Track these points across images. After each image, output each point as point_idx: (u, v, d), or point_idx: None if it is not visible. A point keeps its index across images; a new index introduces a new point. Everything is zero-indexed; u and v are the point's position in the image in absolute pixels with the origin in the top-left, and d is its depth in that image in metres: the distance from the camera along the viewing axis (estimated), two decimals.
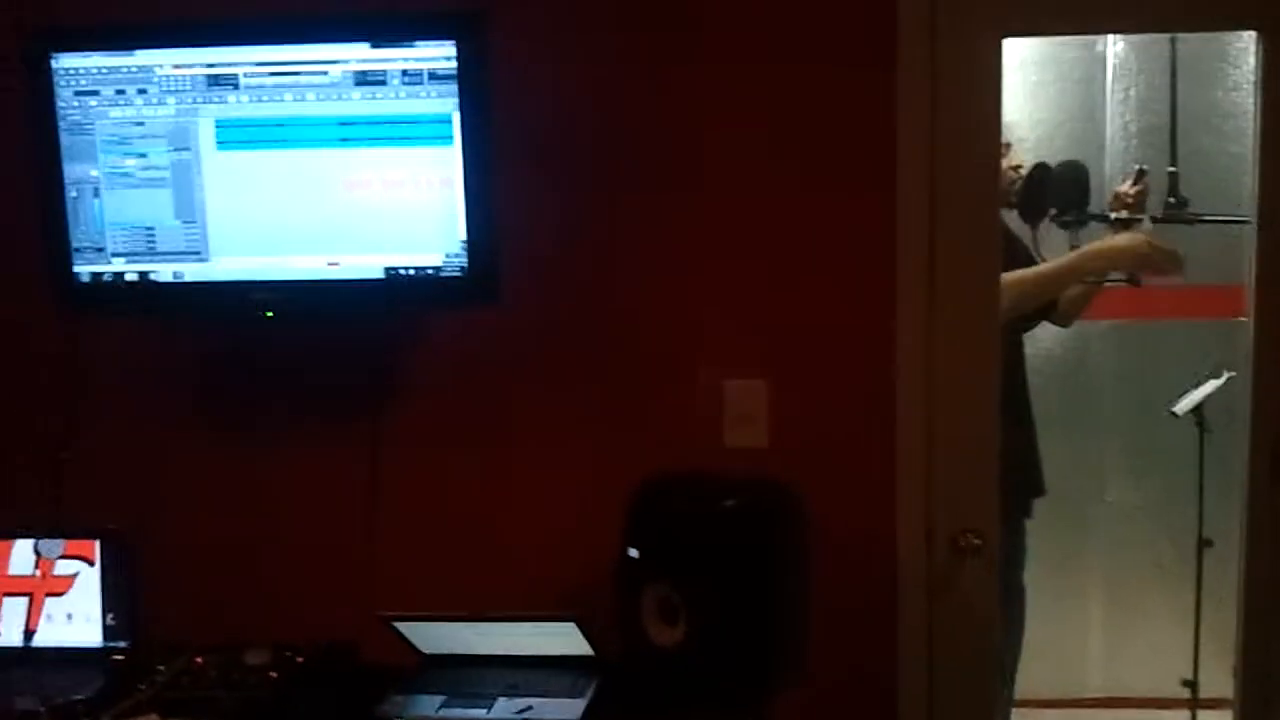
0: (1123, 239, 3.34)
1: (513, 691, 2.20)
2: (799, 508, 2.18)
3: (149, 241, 2.29)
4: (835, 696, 2.37)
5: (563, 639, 2.23)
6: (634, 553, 2.12)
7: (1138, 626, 4.37)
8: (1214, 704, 3.06)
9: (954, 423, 2.38)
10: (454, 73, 2.17)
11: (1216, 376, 3.43)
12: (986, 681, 2.49)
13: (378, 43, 2.19)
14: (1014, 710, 3.83)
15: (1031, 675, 4.00)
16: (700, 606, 2.04)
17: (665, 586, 2.08)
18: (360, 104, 2.20)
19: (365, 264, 2.25)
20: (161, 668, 2.31)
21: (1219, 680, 2.72)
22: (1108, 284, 3.37)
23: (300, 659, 2.30)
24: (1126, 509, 4.42)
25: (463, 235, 2.21)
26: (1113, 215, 3.35)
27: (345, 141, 2.21)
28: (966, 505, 2.40)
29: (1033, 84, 4.32)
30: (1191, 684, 3.61)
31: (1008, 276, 3.09)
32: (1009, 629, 3.71)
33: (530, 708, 2.14)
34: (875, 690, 2.42)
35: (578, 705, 2.15)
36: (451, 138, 2.19)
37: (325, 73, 2.21)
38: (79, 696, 2.20)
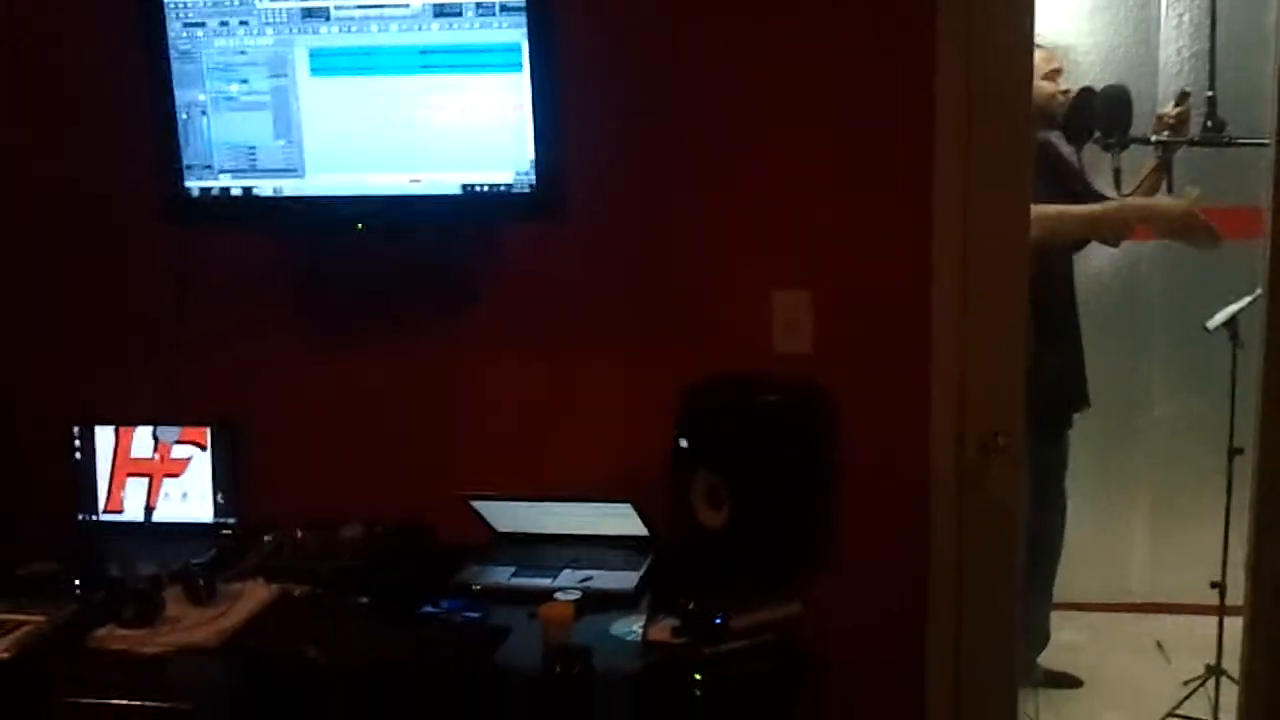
0: (1169, 203, 3.37)
1: (575, 564, 2.34)
2: (832, 405, 2.27)
3: (251, 159, 2.41)
4: (871, 583, 2.46)
5: (620, 519, 2.38)
6: (684, 443, 2.25)
7: (1180, 534, 4.42)
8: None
9: (984, 331, 2.42)
10: (523, 5, 2.25)
11: (1250, 293, 3.51)
12: (1011, 569, 2.55)
13: None
14: (1055, 612, 3.96)
15: (1077, 580, 4.11)
16: (743, 492, 2.17)
17: (712, 473, 2.21)
18: (438, 34, 2.30)
19: (444, 181, 2.36)
20: (266, 539, 2.48)
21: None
22: None
23: (387, 534, 2.45)
24: (1172, 421, 4.47)
25: (532, 155, 2.31)
26: (1153, 138, 3.42)
27: (425, 68, 2.32)
28: (994, 408, 2.45)
29: (1089, 8, 4.33)
30: (1219, 586, 3.65)
31: (1051, 209, 3.18)
32: (1049, 533, 3.81)
33: (591, 578, 2.28)
34: (908, 576, 2.52)
35: (632, 577, 2.28)
36: (521, 65, 2.28)
37: (407, 5, 2.29)
38: (195, 562, 2.37)
